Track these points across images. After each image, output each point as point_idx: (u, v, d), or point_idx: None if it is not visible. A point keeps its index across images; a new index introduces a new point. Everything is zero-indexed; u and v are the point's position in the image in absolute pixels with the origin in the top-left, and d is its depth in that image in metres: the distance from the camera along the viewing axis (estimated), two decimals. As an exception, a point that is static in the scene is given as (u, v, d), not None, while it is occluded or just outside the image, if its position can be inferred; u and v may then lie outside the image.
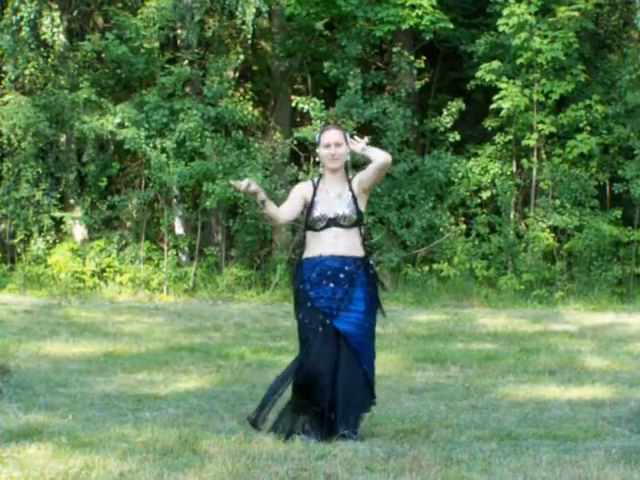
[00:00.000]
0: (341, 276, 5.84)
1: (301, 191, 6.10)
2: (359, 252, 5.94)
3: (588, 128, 16.69)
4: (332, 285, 5.82)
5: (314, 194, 6.00)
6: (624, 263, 16.78)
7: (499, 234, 17.01)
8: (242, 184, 5.81)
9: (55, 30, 16.08)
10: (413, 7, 16.76)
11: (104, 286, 16.37)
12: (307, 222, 5.98)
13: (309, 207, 5.97)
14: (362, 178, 6.04)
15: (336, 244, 5.89)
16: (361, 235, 5.99)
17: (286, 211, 6.05)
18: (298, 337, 6.00)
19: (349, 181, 6.04)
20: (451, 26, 17.12)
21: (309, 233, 5.99)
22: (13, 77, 16.16)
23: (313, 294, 5.84)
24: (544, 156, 17.29)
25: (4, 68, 16.50)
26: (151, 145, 16.26)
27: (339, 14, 17.04)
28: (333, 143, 6.00)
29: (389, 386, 7.93)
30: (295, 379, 5.89)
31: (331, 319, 5.80)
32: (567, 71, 16.87)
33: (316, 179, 6.14)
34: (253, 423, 5.99)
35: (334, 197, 5.98)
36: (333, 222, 5.91)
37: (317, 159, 6.14)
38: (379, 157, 5.98)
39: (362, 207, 6.00)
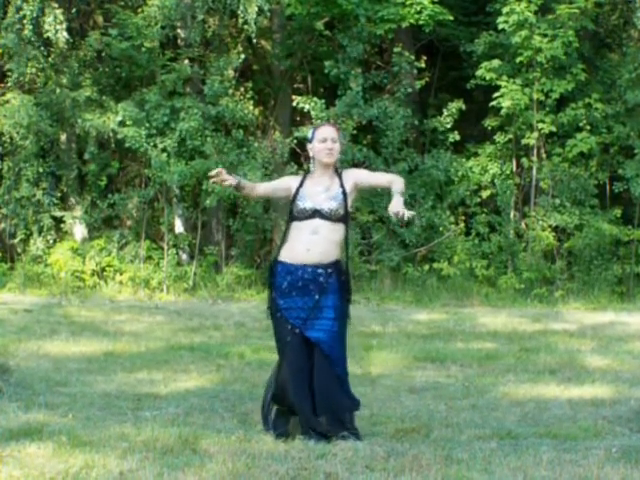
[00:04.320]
0: (311, 287, 5.83)
1: (287, 181, 6.16)
2: (333, 255, 5.90)
3: (588, 127, 16.70)
4: (302, 295, 5.82)
5: (300, 185, 5.98)
6: (624, 262, 16.79)
7: (499, 233, 17.01)
8: (212, 173, 5.94)
9: (58, 27, 16.08)
10: (412, 4, 16.77)
11: (104, 285, 16.38)
12: (292, 212, 5.95)
13: (293, 197, 5.95)
14: (362, 177, 6.04)
15: (312, 244, 5.83)
16: (345, 233, 5.95)
17: (262, 186, 6.30)
18: (276, 344, 6.00)
19: (340, 178, 6.02)
20: (451, 18, 17.13)
21: (292, 224, 5.95)
22: (17, 75, 16.14)
23: (282, 303, 5.85)
24: (544, 155, 17.29)
25: (7, 67, 16.48)
26: (152, 144, 16.27)
27: (340, 13, 17.04)
28: (330, 138, 5.96)
29: (389, 385, 7.93)
30: (274, 391, 5.95)
31: (300, 328, 5.81)
32: (567, 70, 16.87)
33: (305, 173, 6.16)
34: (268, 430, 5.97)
35: (321, 190, 5.93)
36: (318, 213, 5.87)
37: (311, 155, 6.10)
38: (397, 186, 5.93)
39: (349, 206, 5.98)
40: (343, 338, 5.93)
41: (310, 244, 5.86)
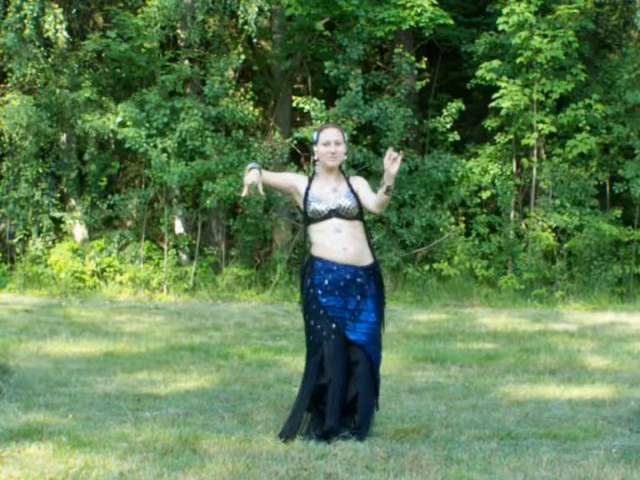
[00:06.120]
0: (352, 288, 5.84)
1: (293, 179, 6.14)
2: (368, 258, 5.91)
3: (588, 128, 16.69)
4: (344, 295, 5.82)
5: (308, 187, 5.97)
6: (624, 263, 16.79)
7: (499, 234, 17.01)
8: (245, 191, 5.81)
9: (58, 27, 16.08)
10: (413, 7, 16.76)
11: (104, 286, 16.37)
12: (307, 216, 5.94)
13: (304, 201, 5.94)
14: (360, 194, 5.97)
15: (344, 242, 5.82)
16: (365, 229, 5.96)
17: (274, 177, 6.17)
18: (306, 338, 5.93)
19: (347, 179, 6.02)
20: (451, 22, 17.12)
21: (311, 227, 5.93)
22: (19, 75, 16.14)
23: (325, 301, 5.82)
24: (544, 156, 17.30)
25: (8, 67, 16.48)
26: (152, 144, 16.27)
27: (340, 14, 17.03)
28: (333, 141, 5.95)
29: (389, 385, 7.92)
30: (308, 392, 5.85)
31: (344, 329, 5.80)
32: (567, 70, 16.88)
33: (311, 174, 6.15)
34: (287, 439, 5.77)
35: (329, 192, 5.93)
36: (334, 213, 5.87)
37: (315, 157, 6.09)
38: (378, 204, 5.88)
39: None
40: (381, 342, 5.97)
41: (343, 242, 5.84)
